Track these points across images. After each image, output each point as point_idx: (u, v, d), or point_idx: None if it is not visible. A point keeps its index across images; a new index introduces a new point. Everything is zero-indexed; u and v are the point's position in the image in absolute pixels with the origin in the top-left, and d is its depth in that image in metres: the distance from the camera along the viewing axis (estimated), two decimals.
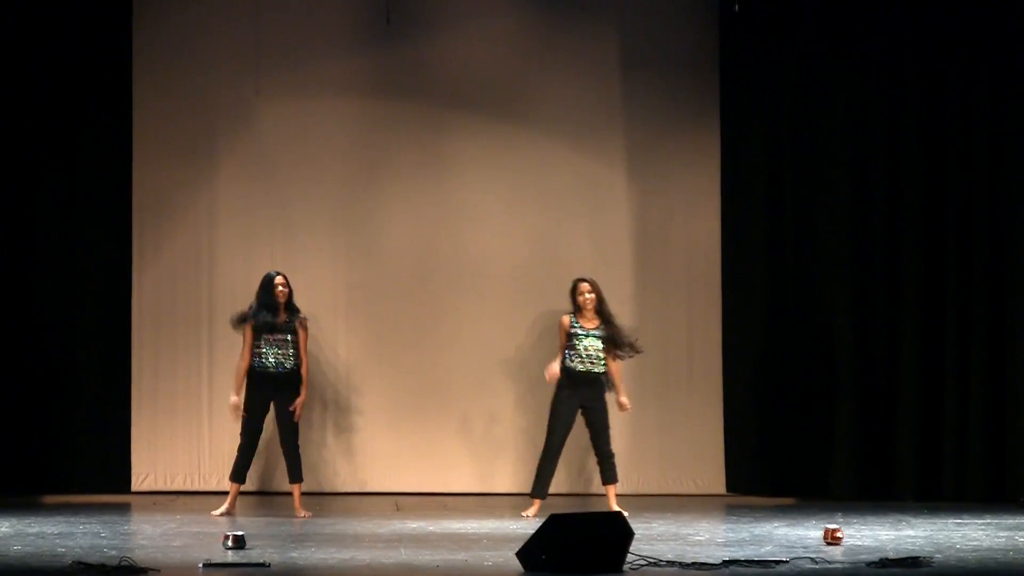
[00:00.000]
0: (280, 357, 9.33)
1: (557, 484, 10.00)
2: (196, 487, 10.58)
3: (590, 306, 9.38)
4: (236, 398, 9.42)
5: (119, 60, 10.66)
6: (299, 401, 9.43)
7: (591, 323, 9.40)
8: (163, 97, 10.68)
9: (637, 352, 9.51)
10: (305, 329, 9.46)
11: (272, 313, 9.32)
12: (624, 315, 10.46)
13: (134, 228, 10.64)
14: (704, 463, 10.79)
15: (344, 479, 10.68)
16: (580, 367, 9.35)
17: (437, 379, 10.72)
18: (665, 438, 10.77)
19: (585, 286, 9.40)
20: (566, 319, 9.40)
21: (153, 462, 10.57)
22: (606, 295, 9.76)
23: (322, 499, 10.19)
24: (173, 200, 10.69)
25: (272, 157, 10.75)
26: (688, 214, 10.95)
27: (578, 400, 9.38)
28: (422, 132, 10.80)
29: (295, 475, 9.46)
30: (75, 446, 10.52)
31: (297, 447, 9.48)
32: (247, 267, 10.29)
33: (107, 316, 10.64)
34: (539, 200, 10.85)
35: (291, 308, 9.45)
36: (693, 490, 10.77)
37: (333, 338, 10.68)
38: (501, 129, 10.82)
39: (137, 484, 10.57)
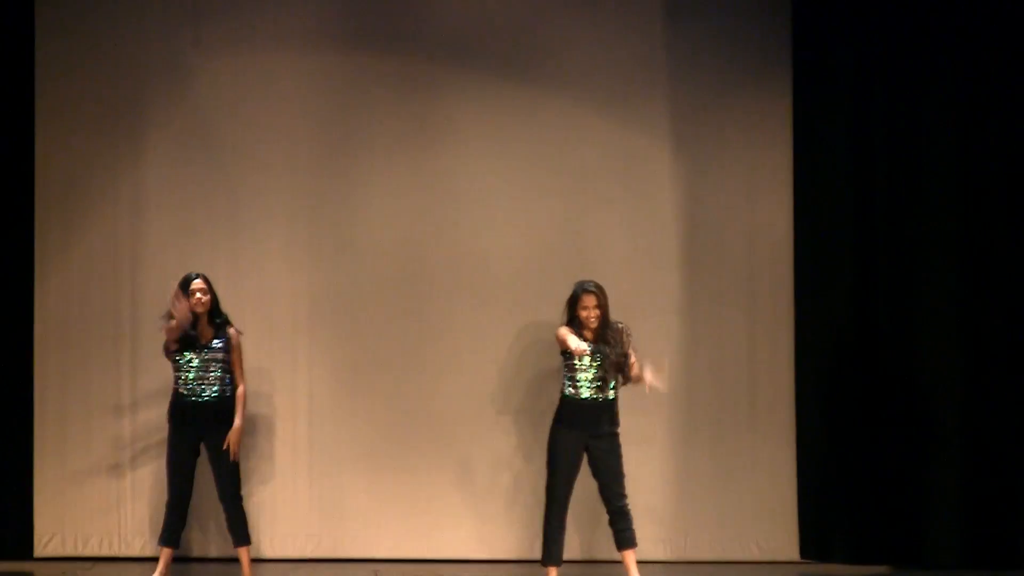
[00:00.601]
0: (203, 383, 8.68)
1: (574, 548, 9.56)
2: (115, 552, 9.75)
3: (593, 324, 8.66)
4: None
5: (14, 2, 9.84)
6: (233, 431, 8.67)
7: (591, 337, 8.73)
8: (73, 52, 9.91)
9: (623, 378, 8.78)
10: (237, 344, 8.79)
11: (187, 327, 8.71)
12: (670, 330, 10.02)
13: (36, 222, 9.86)
14: (771, 522, 10.01)
15: (309, 542, 9.88)
16: (584, 394, 8.65)
17: (428, 413, 9.96)
18: (721, 489, 10.02)
19: (591, 299, 8.65)
20: (573, 338, 8.64)
21: (60, 520, 9.76)
22: (646, 303, 9.37)
23: (281, 567, 9.58)
24: (86, 185, 9.91)
25: (214, 128, 9.97)
26: (751, 200, 10.13)
27: (581, 435, 8.69)
28: (409, 94, 10.03)
29: (240, 536, 8.76)
30: None
31: (239, 498, 8.77)
32: (181, 269, 9.28)
33: (1, 335, 9.75)
34: (560, 182, 10.06)
35: (216, 320, 8.75)
36: (757, 556, 9.98)
37: (292, 361, 9.91)
38: (511, 91, 10.05)
39: (40, 549, 9.76)
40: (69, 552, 9.67)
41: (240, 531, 8.70)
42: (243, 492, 8.90)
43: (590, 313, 8.61)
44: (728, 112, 10.12)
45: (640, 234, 10.06)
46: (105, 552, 9.67)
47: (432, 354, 9.93)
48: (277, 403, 9.84)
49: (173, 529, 8.65)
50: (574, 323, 8.70)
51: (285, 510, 9.80)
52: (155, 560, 8.83)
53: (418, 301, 9.98)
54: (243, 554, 8.69)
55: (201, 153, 9.91)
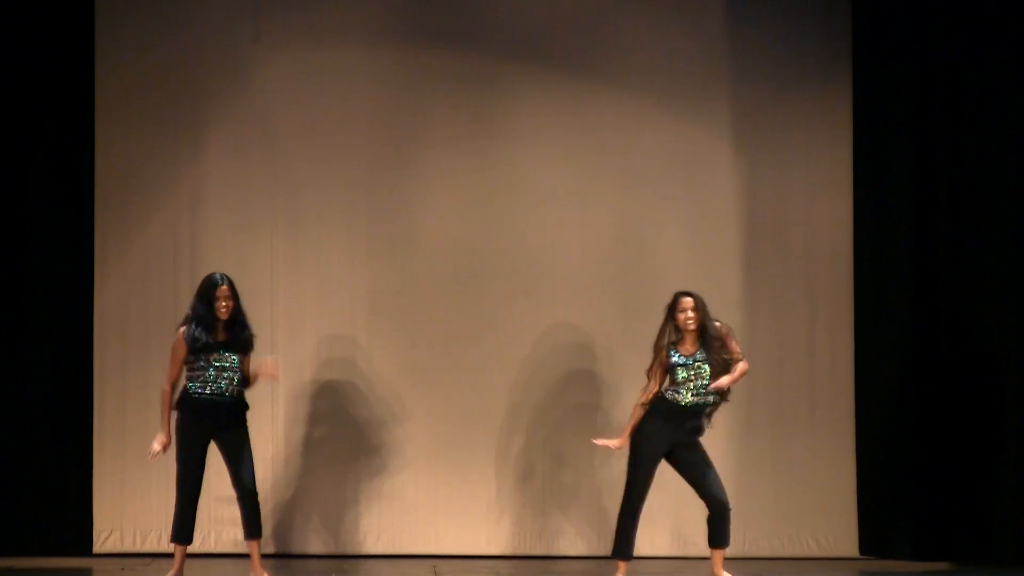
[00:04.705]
0: (217, 382, 8.42)
1: (649, 546, 9.51)
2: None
3: (691, 327, 8.32)
4: (163, 438, 8.38)
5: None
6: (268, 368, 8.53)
7: (692, 347, 8.41)
8: (133, 46, 9.89)
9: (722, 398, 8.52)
10: (251, 349, 8.56)
11: (207, 331, 8.41)
12: (729, 325, 9.62)
13: (96, 215, 9.84)
14: (831, 517, 10.01)
15: (368, 538, 9.85)
16: (687, 399, 8.33)
17: (486, 409, 9.93)
18: (780, 485, 9.98)
19: (687, 301, 8.40)
20: (663, 352, 8.44)
21: (120, 516, 9.78)
22: (705, 299, 8.92)
23: (340, 563, 9.48)
24: (146, 179, 9.89)
25: (274, 124, 9.98)
26: (811, 196, 10.13)
27: (668, 436, 8.35)
28: (469, 90, 10.02)
29: (255, 529, 8.46)
30: (20, 495, 9.70)
31: (256, 492, 8.45)
32: (240, 265, 9.43)
33: (62, 329, 9.79)
34: (619, 177, 10.04)
35: (235, 325, 8.52)
36: (816, 552, 9.98)
37: (351, 355, 9.88)
38: (569, 86, 10.03)
39: (99, 544, 9.75)
40: (128, 548, 9.65)
41: (256, 524, 8.42)
42: (302, 488, 8.95)
43: (688, 316, 8.28)
44: (788, 108, 10.08)
45: (699, 229, 10.03)
46: (164, 548, 9.36)
47: (490, 349, 9.87)
48: (335, 397, 9.77)
49: (187, 526, 8.38)
50: (671, 327, 8.36)
51: (347, 507, 9.73)
52: (220, 556, 8.84)
53: (476, 295, 9.94)
54: (255, 548, 8.38)
55: (261, 147, 9.89)
